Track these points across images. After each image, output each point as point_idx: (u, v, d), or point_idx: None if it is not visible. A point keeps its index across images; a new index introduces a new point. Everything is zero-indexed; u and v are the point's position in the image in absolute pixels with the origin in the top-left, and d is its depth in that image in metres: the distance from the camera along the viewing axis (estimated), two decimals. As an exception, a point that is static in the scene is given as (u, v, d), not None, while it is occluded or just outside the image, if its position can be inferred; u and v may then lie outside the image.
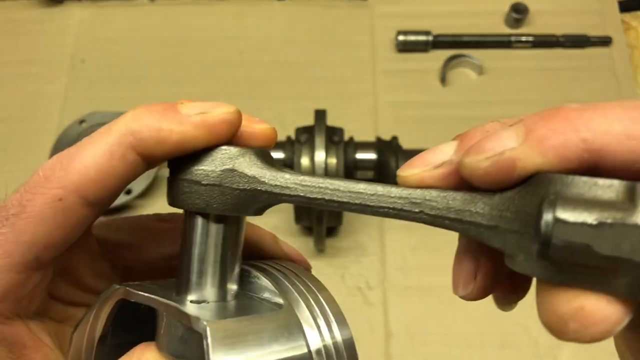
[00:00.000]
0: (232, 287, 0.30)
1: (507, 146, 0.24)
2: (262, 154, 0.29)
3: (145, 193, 0.90)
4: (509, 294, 0.30)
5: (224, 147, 0.29)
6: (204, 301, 0.29)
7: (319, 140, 0.80)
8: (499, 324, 0.80)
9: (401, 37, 1.02)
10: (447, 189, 0.27)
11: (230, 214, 0.29)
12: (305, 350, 0.28)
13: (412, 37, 1.02)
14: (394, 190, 0.28)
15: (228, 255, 0.30)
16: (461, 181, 0.27)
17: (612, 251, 0.21)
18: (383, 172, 0.86)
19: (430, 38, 1.02)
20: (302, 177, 0.29)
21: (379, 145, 0.87)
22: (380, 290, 0.85)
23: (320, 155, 0.79)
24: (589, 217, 0.22)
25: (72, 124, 0.95)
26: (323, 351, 0.28)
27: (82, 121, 0.95)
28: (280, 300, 0.30)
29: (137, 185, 0.89)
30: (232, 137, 0.29)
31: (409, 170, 0.28)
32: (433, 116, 0.98)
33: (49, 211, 0.27)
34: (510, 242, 0.25)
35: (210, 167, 0.28)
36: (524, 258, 0.24)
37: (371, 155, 0.86)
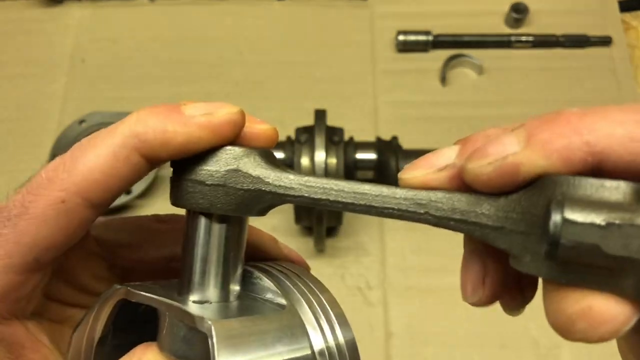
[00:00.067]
0: (235, 287, 0.30)
1: (509, 151, 0.24)
2: (266, 154, 0.29)
3: (145, 193, 0.90)
4: (517, 298, 0.29)
5: (228, 148, 0.29)
6: (206, 301, 0.29)
7: (319, 140, 0.80)
8: (499, 324, 0.80)
9: (401, 37, 1.02)
10: (452, 191, 0.27)
11: (233, 214, 0.29)
12: (309, 352, 0.28)
13: (412, 37, 1.02)
14: (399, 192, 0.28)
15: (231, 256, 0.30)
16: (463, 185, 0.27)
17: (621, 251, 0.21)
18: (383, 172, 0.85)
19: (430, 38, 1.02)
20: (306, 178, 0.29)
21: (379, 145, 0.87)
22: (380, 291, 0.85)
23: (320, 155, 0.79)
24: (597, 218, 0.22)
25: (72, 124, 0.95)
26: (326, 352, 0.29)
27: (82, 121, 0.95)
28: (282, 301, 0.30)
29: (137, 186, 0.89)
30: (236, 137, 0.29)
31: (411, 172, 0.28)
32: (433, 116, 0.98)
33: (52, 213, 0.27)
34: (516, 242, 0.25)
35: (215, 167, 0.28)
36: (531, 259, 0.24)
37: (371, 155, 0.86)
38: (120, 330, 0.31)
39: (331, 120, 0.84)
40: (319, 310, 0.30)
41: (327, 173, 0.79)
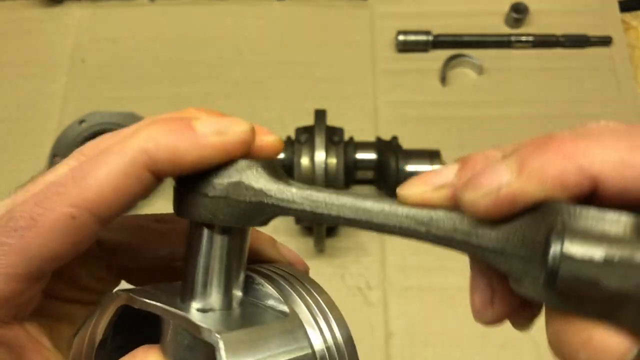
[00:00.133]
0: (237, 293, 0.31)
1: (503, 180, 0.24)
2: (269, 165, 0.29)
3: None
4: (525, 315, 0.29)
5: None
6: (210, 309, 0.30)
7: (319, 140, 0.80)
8: (500, 325, 0.80)
9: (401, 37, 1.02)
10: (453, 210, 0.27)
11: (235, 225, 0.29)
12: (312, 357, 0.29)
13: (412, 37, 1.02)
14: (400, 209, 0.27)
15: (233, 264, 0.30)
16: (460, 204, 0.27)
17: (619, 287, 0.21)
18: (383, 172, 0.86)
19: (430, 38, 1.02)
20: (309, 192, 0.29)
21: (379, 145, 0.87)
22: (380, 290, 0.85)
23: (320, 155, 0.79)
24: (596, 253, 0.22)
25: (72, 124, 0.95)
26: (327, 356, 0.29)
27: (82, 121, 0.95)
28: (285, 309, 0.30)
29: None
30: (246, 154, 0.29)
31: (409, 190, 0.28)
32: (433, 116, 0.98)
33: (61, 227, 0.27)
34: (516, 266, 0.25)
35: (217, 179, 0.28)
36: (530, 283, 0.24)
37: (371, 155, 0.86)
38: (121, 332, 0.31)
39: (331, 120, 0.84)
40: (320, 315, 0.30)
41: (327, 173, 0.79)
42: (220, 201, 0.28)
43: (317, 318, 0.30)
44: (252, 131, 0.29)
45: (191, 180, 0.29)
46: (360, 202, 0.28)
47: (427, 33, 1.02)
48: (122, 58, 1.05)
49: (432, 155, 0.85)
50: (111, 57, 1.05)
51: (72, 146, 0.93)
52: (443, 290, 0.84)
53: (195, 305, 0.30)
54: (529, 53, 1.03)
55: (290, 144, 0.83)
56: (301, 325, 0.29)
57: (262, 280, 0.32)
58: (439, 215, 0.27)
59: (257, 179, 0.29)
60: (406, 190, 0.28)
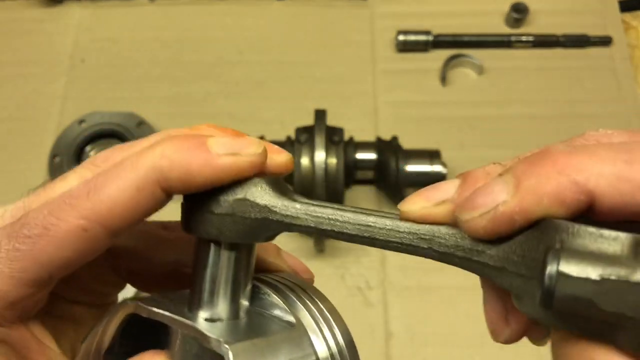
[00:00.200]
0: (244, 303, 0.31)
1: (499, 200, 0.24)
2: (274, 181, 0.30)
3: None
4: (541, 330, 0.29)
5: None
6: (218, 319, 0.30)
7: (319, 140, 0.80)
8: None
9: (401, 37, 1.02)
10: (455, 227, 0.27)
11: (242, 242, 0.30)
12: None
13: (412, 37, 1.02)
14: (402, 225, 0.28)
15: (240, 277, 0.31)
16: None
17: (615, 308, 0.21)
18: (383, 172, 0.86)
19: (430, 38, 1.02)
20: (312, 208, 0.29)
21: (379, 145, 0.87)
22: (380, 290, 0.85)
23: (320, 155, 0.79)
24: (592, 272, 0.21)
25: (71, 124, 0.95)
26: None
27: (81, 121, 0.95)
28: (291, 318, 0.30)
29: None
30: (257, 174, 0.29)
31: (410, 205, 0.28)
32: (433, 116, 0.98)
33: (72, 238, 0.27)
34: (517, 284, 0.25)
35: (223, 196, 0.29)
36: (530, 302, 0.24)
37: (371, 155, 0.86)
38: (128, 339, 0.32)
39: (331, 120, 0.84)
40: (322, 322, 0.31)
41: (327, 173, 0.79)
42: (226, 218, 0.29)
43: (321, 326, 0.31)
44: (265, 153, 0.29)
45: (198, 196, 0.29)
46: (364, 218, 0.28)
47: (427, 33, 1.02)
48: (122, 58, 1.05)
49: (432, 155, 0.85)
50: (111, 57, 1.05)
51: (72, 146, 0.93)
52: (443, 290, 0.84)
53: (202, 314, 0.30)
54: (529, 53, 1.03)
55: (290, 144, 0.83)
56: (306, 335, 0.30)
57: (268, 290, 0.32)
58: (441, 231, 0.27)
59: (262, 196, 0.29)
60: (407, 205, 0.28)
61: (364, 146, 0.87)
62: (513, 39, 1.02)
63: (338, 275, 0.86)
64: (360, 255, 0.87)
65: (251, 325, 0.30)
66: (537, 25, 1.05)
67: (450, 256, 0.27)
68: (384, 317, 0.83)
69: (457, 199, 0.27)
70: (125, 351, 0.31)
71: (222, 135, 0.30)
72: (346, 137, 0.85)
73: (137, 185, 0.27)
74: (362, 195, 0.91)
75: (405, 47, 1.03)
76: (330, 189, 0.80)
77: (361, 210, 0.29)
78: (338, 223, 0.29)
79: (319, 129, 0.81)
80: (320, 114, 0.83)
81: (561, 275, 0.22)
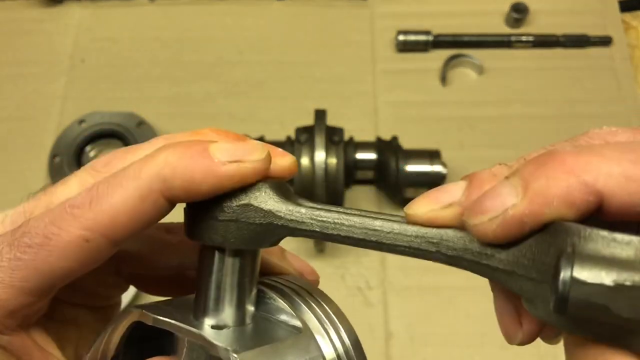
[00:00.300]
0: (250, 308, 0.31)
1: (508, 203, 0.24)
2: (278, 186, 0.29)
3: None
4: (554, 329, 0.29)
5: None
6: (224, 326, 0.30)
7: (319, 140, 0.80)
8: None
9: (401, 37, 1.02)
10: (462, 229, 0.26)
11: (246, 248, 0.29)
12: None
13: (412, 37, 1.02)
14: (410, 229, 0.27)
15: (245, 282, 0.30)
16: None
17: (630, 313, 0.21)
18: (383, 172, 0.86)
19: (430, 38, 1.02)
20: (317, 212, 0.29)
21: (379, 145, 0.87)
22: (380, 290, 0.85)
23: (320, 155, 0.79)
24: (606, 278, 0.21)
25: (71, 124, 0.95)
26: None
27: (81, 121, 0.95)
28: (297, 323, 0.30)
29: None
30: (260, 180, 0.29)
31: (417, 208, 0.27)
32: (433, 116, 0.98)
33: (74, 249, 0.27)
34: (527, 288, 0.25)
35: (227, 202, 0.28)
36: (542, 306, 0.24)
37: (371, 155, 0.86)
38: (131, 346, 0.32)
39: (331, 120, 0.84)
40: (329, 325, 0.31)
41: (327, 173, 0.79)
42: (231, 224, 0.28)
43: (328, 330, 0.30)
44: (269, 157, 0.29)
45: (202, 203, 0.29)
46: (370, 222, 0.28)
47: (427, 33, 1.02)
48: (122, 58, 1.05)
49: (432, 155, 0.85)
50: (111, 57, 1.05)
51: (72, 146, 0.93)
52: (443, 290, 0.84)
53: (208, 321, 0.30)
54: (529, 53, 1.03)
55: (290, 144, 0.83)
56: (313, 339, 0.30)
57: (273, 295, 0.32)
58: (449, 234, 0.27)
59: (266, 201, 0.29)
60: (414, 208, 0.27)
61: (364, 146, 0.87)
62: (513, 39, 1.02)
63: (338, 275, 0.86)
64: (361, 255, 0.87)
65: (258, 331, 0.30)
66: (537, 25, 1.05)
67: (458, 259, 0.26)
68: (384, 317, 0.83)
69: (464, 201, 0.26)
70: (129, 359, 0.31)
71: (225, 140, 0.29)
72: (346, 137, 0.85)
73: (140, 194, 0.27)
74: (362, 195, 0.91)
75: (405, 47, 1.03)
76: (330, 189, 0.80)
77: (367, 213, 0.28)
78: (344, 227, 0.28)
79: (319, 129, 0.81)
80: (320, 114, 0.83)
81: (575, 281, 0.21)
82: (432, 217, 0.27)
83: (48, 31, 1.07)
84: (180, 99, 1.01)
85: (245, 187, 0.28)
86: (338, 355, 0.30)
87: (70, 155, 0.92)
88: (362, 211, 0.29)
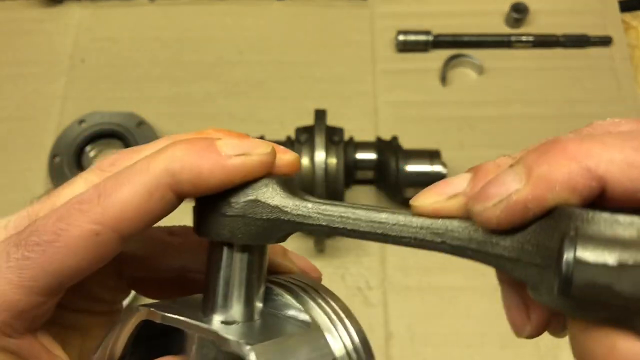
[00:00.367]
0: (258, 305, 0.31)
1: (511, 189, 0.24)
2: (285, 182, 0.30)
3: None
4: (562, 321, 0.29)
5: None
6: (233, 322, 0.30)
7: (319, 140, 0.80)
8: (499, 324, 0.80)
9: (401, 37, 1.02)
10: (468, 220, 0.27)
11: (254, 243, 0.30)
12: None
13: (412, 37, 1.02)
14: (415, 220, 0.28)
15: (253, 279, 0.31)
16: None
17: (633, 292, 0.21)
18: (383, 172, 0.86)
19: (430, 38, 1.02)
20: (324, 207, 0.29)
21: (379, 145, 0.87)
22: (380, 291, 0.85)
23: (320, 155, 0.79)
24: (609, 258, 0.21)
25: (71, 124, 0.95)
26: None
27: (81, 121, 0.95)
28: (306, 318, 0.31)
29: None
30: (266, 175, 0.30)
31: (422, 200, 0.28)
32: (433, 116, 0.98)
33: (83, 244, 0.27)
34: (532, 274, 0.25)
35: (234, 198, 0.29)
36: (547, 291, 0.24)
37: (371, 155, 0.86)
38: (138, 346, 0.32)
39: (331, 120, 0.84)
40: (337, 320, 0.31)
41: (327, 173, 0.79)
42: (238, 220, 0.29)
43: (336, 325, 0.31)
44: (273, 152, 0.29)
45: (209, 200, 0.29)
46: (376, 215, 0.28)
47: (427, 33, 1.02)
48: (122, 58, 1.05)
49: (432, 155, 0.85)
50: (111, 57, 1.05)
51: (72, 146, 0.93)
52: (443, 290, 0.84)
53: (217, 318, 0.30)
54: (529, 53, 1.03)
55: (290, 144, 0.83)
56: (322, 334, 0.30)
57: (280, 291, 0.32)
58: (454, 225, 0.27)
59: (273, 196, 0.29)
60: (419, 200, 0.28)
61: (364, 146, 0.87)
62: (513, 39, 1.02)
63: (338, 275, 0.86)
64: (361, 255, 0.87)
65: (267, 327, 0.30)
66: (537, 25, 1.05)
67: (464, 249, 0.27)
68: (384, 317, 0.83)
69: (469, 192, 0.26)
70: (137, 359, 0.31)
71: (230, 137, 0.30)
72: (346, 137, 0.85)
73: (149, 188, 0.27)
74: (362, 195, 0.91)
75: (405, 47, 1.03)
76: (330, 189, 0.80)
77: (373, 207, 0.29)
78: (350, 221, 0.29)
79: (319, 129, 0.81)
80: (320, 114, 0.83)
81: (578, 262, 0.22)
82: (438, 208, 0.27)
83: (48, 31, 1.07)
84: (180, 99, 1.01)
85: (251, 183, 0.29)
86: (347, 350, 0.30)
87: (70, 155, 0.92)
88: (367, 205, 0.29)
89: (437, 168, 0.84)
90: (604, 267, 0.21)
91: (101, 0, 1.09)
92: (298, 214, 0.29)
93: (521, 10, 1.03)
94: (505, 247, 0.26)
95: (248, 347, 0.26)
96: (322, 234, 0.30)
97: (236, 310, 0.30)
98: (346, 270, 0.86)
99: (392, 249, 0.87)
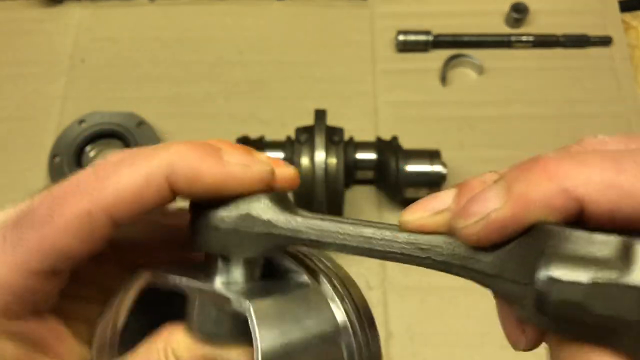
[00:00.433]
0: (259, 267, 0.32)
1: (491, 207, 0.25)
2: (278, 197, 0.30)
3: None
4: None
5: None
6: (235, 282, 0.31)
7: (319, 140, 0.80)
8: (499, 324, 0.80)
9: (401, 37, 1.02)
10: (453, 236, 0.27)
11: (246, 256, 0.31)
12: (334, 325, 0.30)
13: (412, 37, 1.02)
14: (401, 236, 0.28)
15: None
16: None
17: (606, 311, 0.22)
18: (383, 172, 0.85)
19: (430, 38, 1.02)
20: (314, 221, 0.30)
21: (379, 145, 0.87)
22: (380, 291, 0.85)
23: (320, 155, 0.79)
24: (583, 276, 0.22)
25: (71, 124, 0.95)
26: (349, 325, 0.31)
27: (81, 121, 0.95)
28: (306, 279, 0.31)
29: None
30: (262, 191, 0.30)
31: (408, 216, 0.28)
32: (433, 116, 0.98)
33: (76, 224, 0.28)
34: (513, 291, 0.25)
35: (227, 212, 0.30)
36: (528, 308, 0.24)
37: (371, 155, 0.86)
38: (141, 314, 0.32)
39: (331, 120, 0.84)
40: (339, 287, 0.32)
41: (327, 173, 0.79)
42: (230, 234, 0.30)
43: (337, 289, 0.32)
44: (273, 173, 0.30)
45: (203, 214, 0.30)
46: (362, 229, 0.29)
47: (427, 33, 1.02)
48: (122, 58, 1.05)
49: (432, 155, 0.85)
50: (111, 57, 1.05)
51: (72, 146, 0.93)
52: (443, 290, 0.84)
53: (219, 279, 0.31)
54: (529, 53, 1.03)
55: (290, 144, 0.83)
56: (324, 297, 0.31)
57: (282, 255, 0.33)
58: (438, 240, 0.28)
59: (265, 211, 0.30)
60: (406, 216, 0.28)
61: (364, 146, 0.87)
62: (513, 39, 1.02)
63: (338, 275, 0.86)
64: (360, 255, 0.87)
65: (268, 288, 0.31)
66: (537, 25, 1.05)
67: (448, 265, 0.27)
68: (384, 317, 0.83)
69: (453, 208, 0.27)
70: (141, 326, 0.32)
71: (234, 148, 0.30)
72: (346, 137, 0.85)
73: (147, 176, 0.28)
74: (362, 195, 0.91)
75: (405, 47, 1.03)
76: (330, 189, 0.80)
77: (360, 222, 0.30)
78: (339, 235, 0.29)
79: (319, 129, 0.81)
80: (320, 114, 0.83)
81: (553, 280, 0.22)
82: (423, 224, 0.28)
83: (48, 31, 1.07)
84: (180, 99, 1.01)
85: (245, 198, 0.30)
86: (348, 315, 0.31)
87: (70, 155, 0.92)
88: (357, 220, 0.30)
89: (437, 168, 0.84)
90: (578, 285, 0.22)
91: (101, 0, 1.09)
92: (289, 229, 0.30)
93: (521, 10, 1.03)
94: (486, 263, 0.26)
95: (248, 302, 0.27)
96: (315, 248, 0.31)
97: (237, 272, 0.31)
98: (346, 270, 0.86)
99: (392, 249, 0.87)
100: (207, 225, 0.30)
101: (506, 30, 1.05)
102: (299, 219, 0.30)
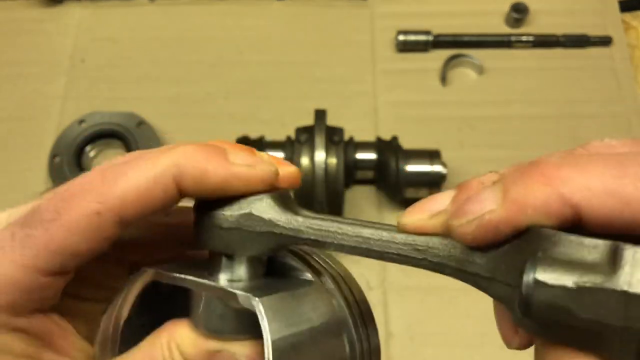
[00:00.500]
0: (263, 264, 0.32)
1: (487, 208, 0.25)
2: (280, 197, 0.31)
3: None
4: None
5: None
6: (239, 280, 0.31)
7: (319, 140, 0.80)
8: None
9: (401, 37, 1.02)
10: (449, 237, 0.27)
11: (248, 255, 0.31)
12: (337, 319, 0.31)
13: (412, 37, 1.02)
14: (398, 237, 0.29)
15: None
16: None
17: (591, 315, 0.21)
18: (383, 172, 0.85)
19: (430, 38, 1.02)
20: (314, 221, 0.30)
21: (379, 145, 0.87)
22: (380, 291, 0.85)
23: (320, 155, 0.79)
24: (568, 280, 0.22)
25: (71, 124, 0.95)
26: (350, 320, 0.31)
27: (81, 121, 0.95)
28: (308, 276, 0.32)
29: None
30: (265, 191, 0.31)
31: (407, 217, 0.29)
32: (433, 116, 0.98)
33: (83, 223, 0.28)
34: (505, 293, 0.25)
35: (229, 211, 0.30)
36: (515, 311, 0.24)
37: (371, 155, 0.86)
38: (144, 310, 0.33)
39: (331, 120, 0.84)
40: (339, 283, 0.33)
41: (327, 173, 0.79)
42: (233, 232, 0.30)
43: (338, 284, 0.32)
44: (277, 173, 0.31)
45: (207, 213, 0.30)
46: (360, 230, 0.29)
47: (427, 33, 1.02)
48: (122, 58, 1.05)
49: (432, 155, 0.85)
50: (111, 57, 1.05)
51: (72, 146, 0.93)
52: (443, 290, 0.84)
53: (223, 277, 0.31)
54: (529, 53, 1.03)
55: (290, 144, 0.83)
56: (325, 290, 0.32)
57: (284, 253, 0.33)
58: (435, 242, 0.28)
59: (267, 211, 0.30)
60: (404, 218, 0.29)
61: (364, 146, 0.87)
62: (513, 39, 1.02)
63: (338, 275, 0.86)
64: (360, 255, 0.87)
65: (272, 284, 0.31)
66: (537, 25, 1.05)
67: (443, 266, 0.27)
68: (384, 317, 0.83)
69: (450, 209, 0.27)
70: (143, 323, 0.32)
71: (239, 149, 0.31)
72: (346, 137, 0.85)
73: (154, 176, 0.28)
74: (362, 195, 0.91)
75: (405, 47, 1.03)
76: (330, 189, 0.80)
77: (360, 222, 0.30)
78: (337, 235, 0.30)
79: (319, 129, 0.81)
80: (320, 114, 0.83)
81: (538, 283, 0.22)
82: (421, 226, 0.28)
83: (48, 31, 1.07)
84: (180, 99, 1.01)
85: (247, 198, 0.30)
86: (349, 307, 0.31)
87: (70, 155, 0.92)
88: (357, 220, 0.30)
89: (437, 168, 0.84)
90: (563, 289, 0.22)
91: (101, 0, 1.09)
92: (289, 228, 0.30)
93: (521, 10, 1.03)
94: (481, 265, 0.26)
95: (256, 299, 0.28)
96: (315, 248, 0.31)
97: (241, 269, 0.31)
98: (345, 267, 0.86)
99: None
100: (211, 224, 0.30)
101: (506, 30, 1.05)
102: (300, 219, 0.30)
